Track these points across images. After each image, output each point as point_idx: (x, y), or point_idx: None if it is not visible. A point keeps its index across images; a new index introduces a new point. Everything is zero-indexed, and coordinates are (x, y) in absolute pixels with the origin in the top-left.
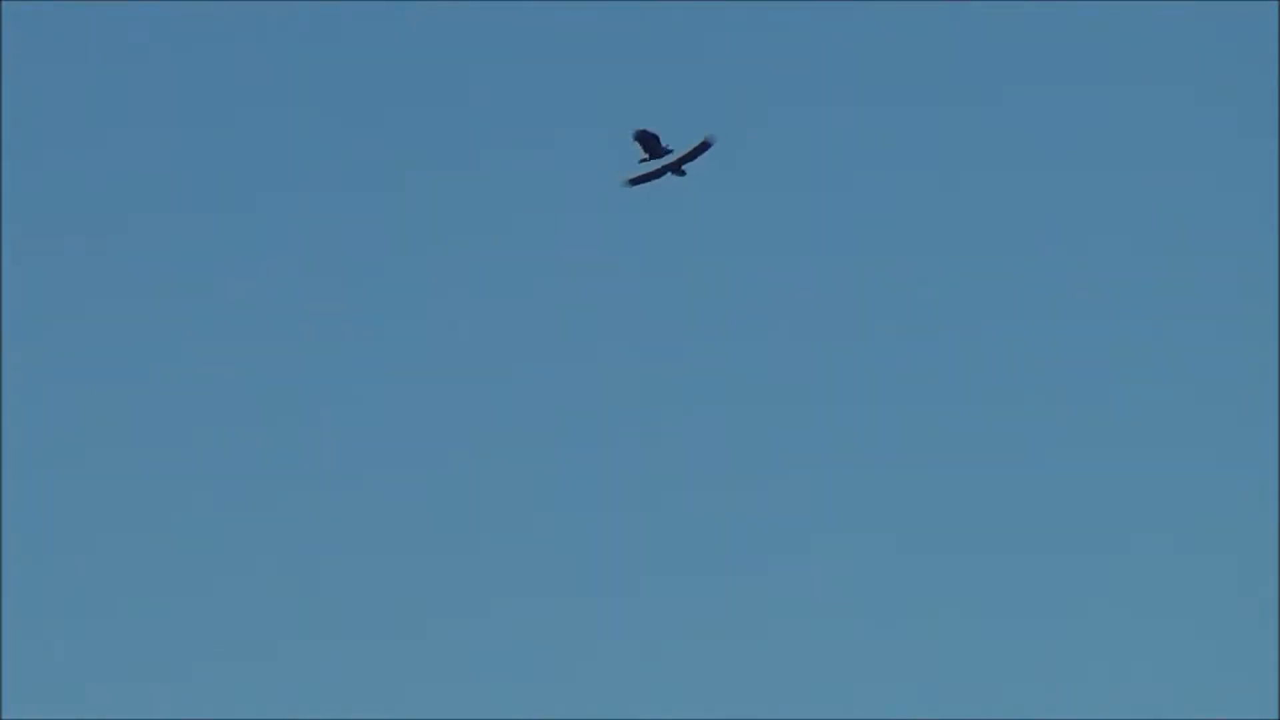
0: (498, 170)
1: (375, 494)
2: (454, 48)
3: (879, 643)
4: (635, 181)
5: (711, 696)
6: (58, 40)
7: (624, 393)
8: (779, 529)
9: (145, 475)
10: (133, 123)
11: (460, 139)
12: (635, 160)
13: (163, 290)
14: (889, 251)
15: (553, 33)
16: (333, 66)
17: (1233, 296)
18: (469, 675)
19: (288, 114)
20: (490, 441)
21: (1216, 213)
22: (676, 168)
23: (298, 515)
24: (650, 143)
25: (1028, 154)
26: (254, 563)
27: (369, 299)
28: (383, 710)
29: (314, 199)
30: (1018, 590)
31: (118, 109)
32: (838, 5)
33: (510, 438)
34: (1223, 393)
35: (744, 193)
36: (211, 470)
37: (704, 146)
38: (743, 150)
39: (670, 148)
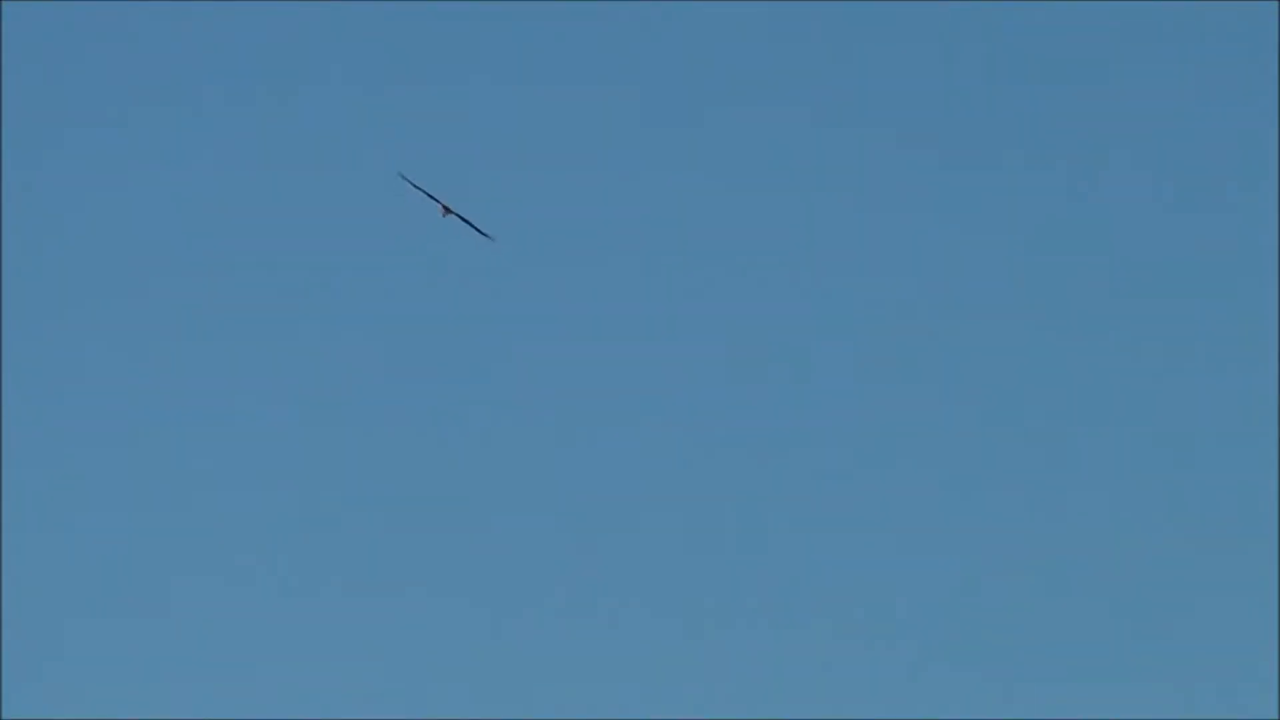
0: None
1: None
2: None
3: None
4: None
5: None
6: (58, 40)
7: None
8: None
9: (146, 473)
10: (132, 121)
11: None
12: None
13: (164, 289)
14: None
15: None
16: (331, 66)
17: (1232, 297)
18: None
19: (287, 113)
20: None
21: (1216, 213)
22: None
23: (297, 513)
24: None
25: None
26: (255, 562)
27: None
28: (380, 709)
29: (314, 198)
30: (1015, 588)
31: (117, 108)
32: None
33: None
34: (1223, 388)
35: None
36: (211, 467)
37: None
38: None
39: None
